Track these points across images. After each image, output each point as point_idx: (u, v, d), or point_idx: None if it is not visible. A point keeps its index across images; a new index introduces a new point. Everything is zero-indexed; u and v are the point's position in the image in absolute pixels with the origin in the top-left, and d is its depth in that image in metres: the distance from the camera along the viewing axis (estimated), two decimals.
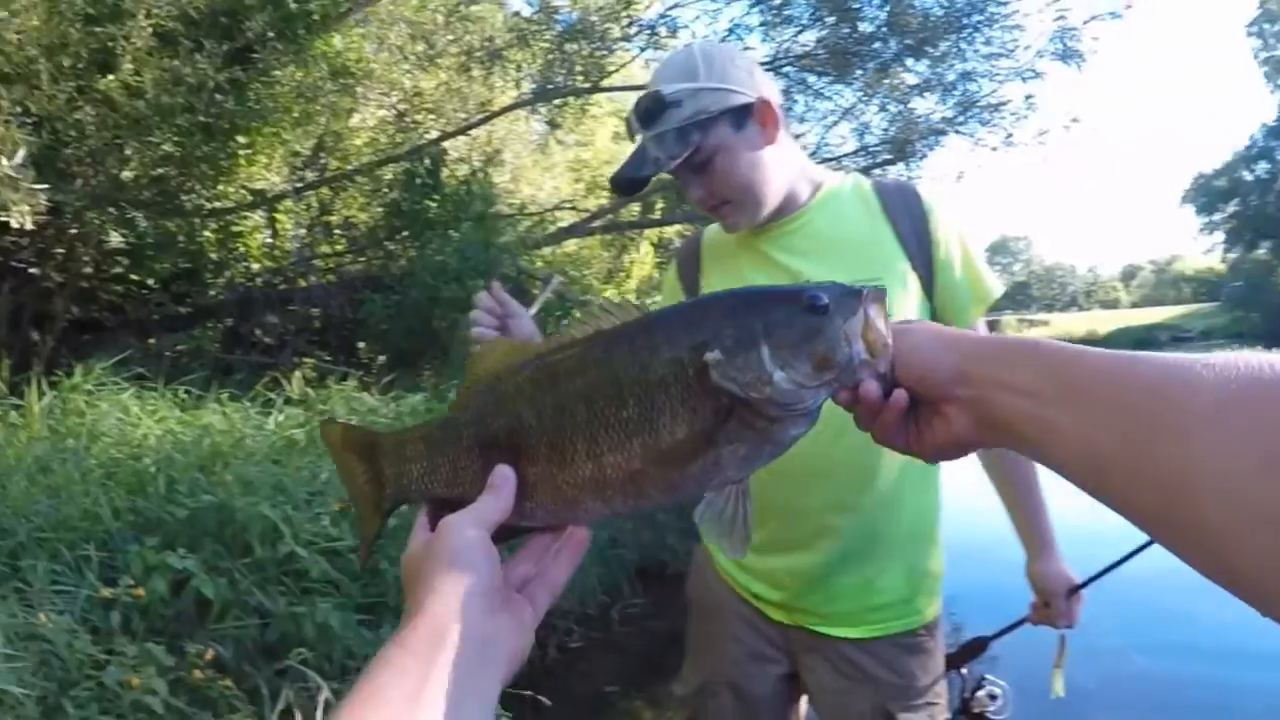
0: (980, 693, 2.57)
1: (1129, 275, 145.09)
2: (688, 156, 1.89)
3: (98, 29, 6.80)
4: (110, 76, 6.69)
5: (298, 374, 6.47)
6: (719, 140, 1.91)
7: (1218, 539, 0.59)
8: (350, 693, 0.69)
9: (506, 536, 0.95)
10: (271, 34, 7.62)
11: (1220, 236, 65.60)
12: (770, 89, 1.98)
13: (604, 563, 6.18)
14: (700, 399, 0.89)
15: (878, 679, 2.12)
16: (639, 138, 1.95)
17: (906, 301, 2.01)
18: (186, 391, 5.77)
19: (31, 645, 3.02)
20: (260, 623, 3.56)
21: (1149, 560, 2.23)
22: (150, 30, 6.94)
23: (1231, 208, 61.12)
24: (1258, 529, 0.56)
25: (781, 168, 2.02)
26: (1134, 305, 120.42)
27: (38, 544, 3.63)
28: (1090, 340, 65.41)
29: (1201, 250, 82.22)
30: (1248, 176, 59.34)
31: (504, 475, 0.93)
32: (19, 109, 6.07)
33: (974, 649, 2.63)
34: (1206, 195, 63.60)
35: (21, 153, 5.43)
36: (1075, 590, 2.26)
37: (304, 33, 8.12)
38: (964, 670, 2.52)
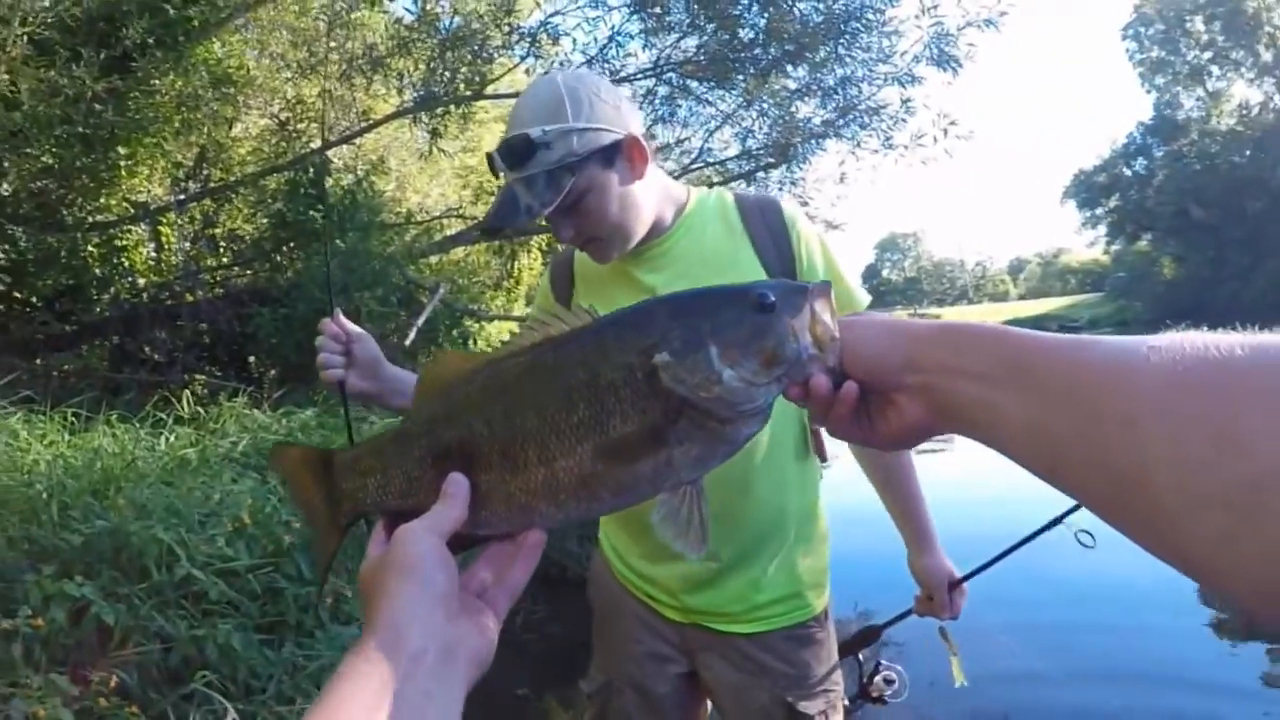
0: (877, 678, 2.68)
1: (1016, 269, 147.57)
2: (552, 196, 1.88)
3: None
4: None
5: (187, 392, 6.41)
6: (588, 181, 1.90)
7: (1170, 522, 0.59)
8: (313, 705, 0.69)
9: (463, 546, 0.96)
10: (150, 41, 7.45)
11: (1102, 230, 67.66)
12: (636, 122, 2.00)
13: (562, 534, 6.34)
14: (650, 401, 0.90)
15: (773, 671, 2.20)
16: (504, 177, 1.94)
17: None
18: (75, 414, 5.65)
19: None
20: (163, 647, 3.55)
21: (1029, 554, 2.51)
22: (25, 38, 6.77)
23: (1113, 202, 62.90)
24: (1209, 510, 0.56)
25: (648, 199, 2.04)
26: (1022, 297, 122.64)
27: None
28: None
29: (1085, 244, 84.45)
30: (1127, 172, 61.29)
31: (457, 483, 0.94)
32: None
33: (867, 637, 2.74)
34: (1088, 191, 65.40)
35: None
36: (957, 583, 2.36)
37: (184, 40, 7.96)
38: (861, 656, 2.62)
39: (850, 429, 0.93)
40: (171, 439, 5.43)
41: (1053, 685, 4.80)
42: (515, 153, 1.89)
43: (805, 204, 11.38)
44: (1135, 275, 57.52)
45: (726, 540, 2.13)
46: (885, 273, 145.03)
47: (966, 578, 2.40)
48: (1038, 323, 64.25)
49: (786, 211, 2.15)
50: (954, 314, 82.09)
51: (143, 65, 7.45)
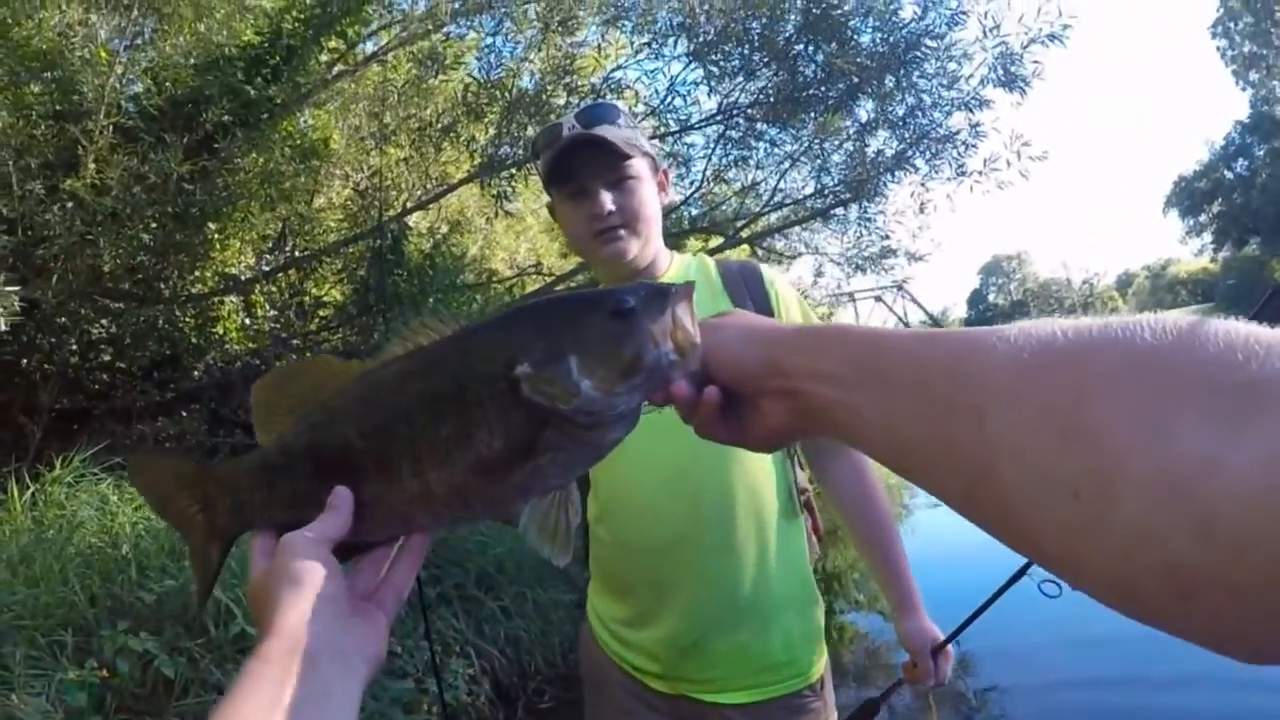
0: None
1: (1124, 283, 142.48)
2: (612, 167, 2.01)
3: (61, 127, 6.95)
4: (75, 176, 6.81)
5: None
6: (639, 170, 2.04)
7: (1021, 515, 0.58)
8: (215, 707, 0.70)
9: (348, 555, 0.97)
10: (232, 121, 7.70)
11: (1208, 238, 65.51)
12: None
13: (571, 623, 6.24)
14: (515, 412, 0.90)
15: None
16: (569, 131, 2.02)
17: None
18: None
19: None
20: (219, 698, 3.63)
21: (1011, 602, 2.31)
22: (111, 127, 7.09)
23: (1216, 207, 60.98)
24: (1059, 502, 0.54)
25: (658, 226, 2.14)
26: (1132, 313, 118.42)
27: (16, 630, 3.78)
28: None
29: (1192, 252, 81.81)
30: (1228, 175, 59.41)
31: (342, 495, 0.94)
32: None
33: (867, 712, 2.51)
34: (1190, 198, 63.52)
35: None
36: (940, 647, 2.23)
37: (266, 118, 8.20)
38: None
39: (718, 431, 0.92)
40: None
41: None
42: (593, 114, 2.04)
43: (886, 238, 11.30)
44: (1245, 281, 55.22)
45: (709, 602, 2.06)
46: (991, 297, 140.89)
47: (947, 640, 2.27)
48: None
49: (765, 274, 2.21)
50: None
51: (225, 146, 7.66)
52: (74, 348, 8.54)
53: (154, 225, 7.60)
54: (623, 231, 2.05)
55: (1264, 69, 52.87)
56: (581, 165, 2.03)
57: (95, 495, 5.44)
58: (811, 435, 0.89)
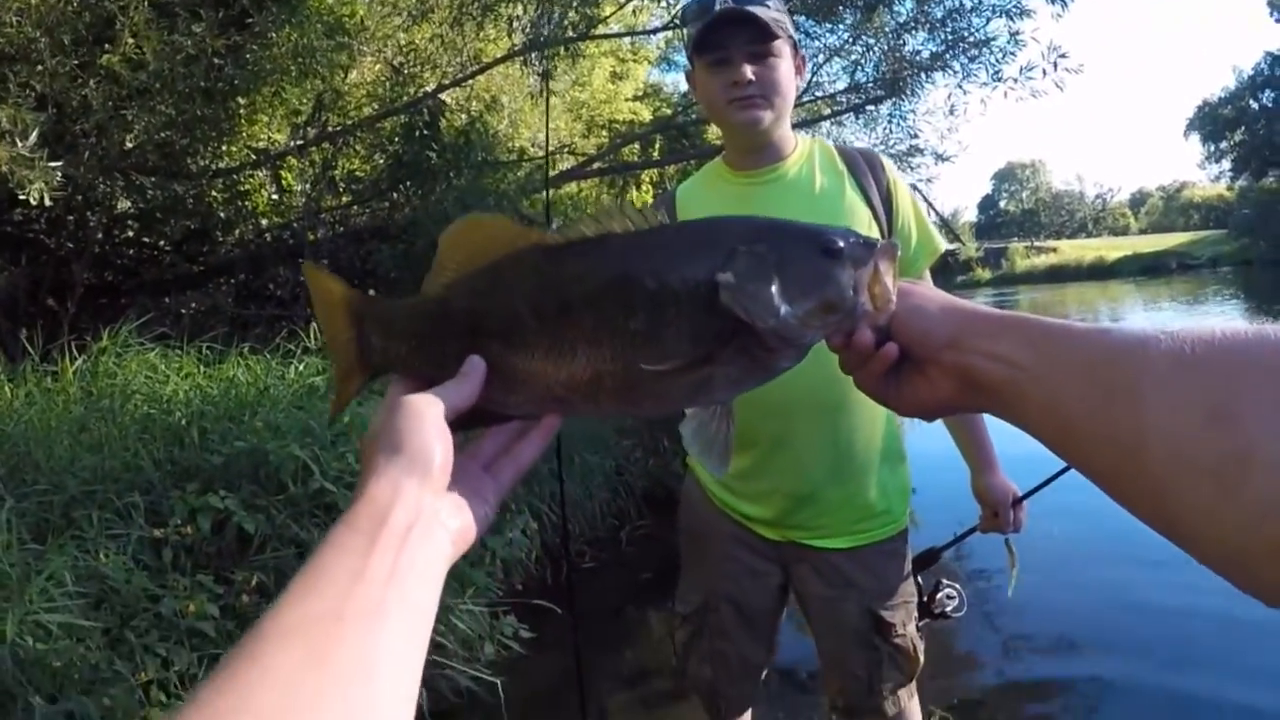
0: (939, 595, 2.78)
1: (1138, 202, 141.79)
2: (757, 41, 2.10)
3: (95, 3, 6.83)
4: (111, 51, 6.73)
5: (314, 324, 6.62)
6: (781, 50, 2.14)
7: (1162, 490, 0.63)
8: (299, 572, 0.69)
9: (485, 422, 0.97)
10: None
11: (1227, 165, 65.48)
12: None
13: (612, 490, 6.43)
14: (707, 318, 0.89)
15: (861, 585, 2.34)
16: (722, 4, 2.11)
17: None
18: (209, 348, 5.93)
19: (91, 585, 3.26)
20: (297, 552, 3.79)
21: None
22: (147, 3, 6.95)
23: (1238, 136, 60.66)
24: (1199, 480, 0.59)
25: (791, 107, 2.25)
26: (1142, 231, 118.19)
27: (87, 496, 3.85)
28: (1099, 266, 64.72)
29: (1209, 178, 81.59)
30: (1254, 105, 58.92)
31: (475, 366, 0.93)
32: (25, 89, 6.17)
33: (928, 558, 2.91)
34: (1213, 123, 63.33)
35: (34, 134, 5.54)
36: (1019, 500, 2.52)
37: None
38: (918, 578, 2.68)
39: (876, 387, 0.95)
40: (300, 368, 5.67)
41: (1109, 596, 4.76)
42: None
43: (915, 136, 11.23)
44: (1261, 213, 54.91)
45: (824, 456, 2.26)
46: (1003, 204, 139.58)
47: (1028, 495, 2.55)
48: (1157, 259, 63.32)
49: (888, 166, 2.34)
50: (1071, 247, 79.82)
51: (259, 20, 7.60)
52: (99, 224, 8.51)
53: (184, 101, 7.48)
54: (760, 101, 2.15)
55: None
56: (729, 38, 2.12)
57: (144, 365, 5.47)
58: (971, 409, 0.88)
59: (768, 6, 2.10)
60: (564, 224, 0.96)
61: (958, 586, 2.82)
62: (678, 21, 8.80)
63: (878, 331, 0.91)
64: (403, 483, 0.77)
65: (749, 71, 2.11)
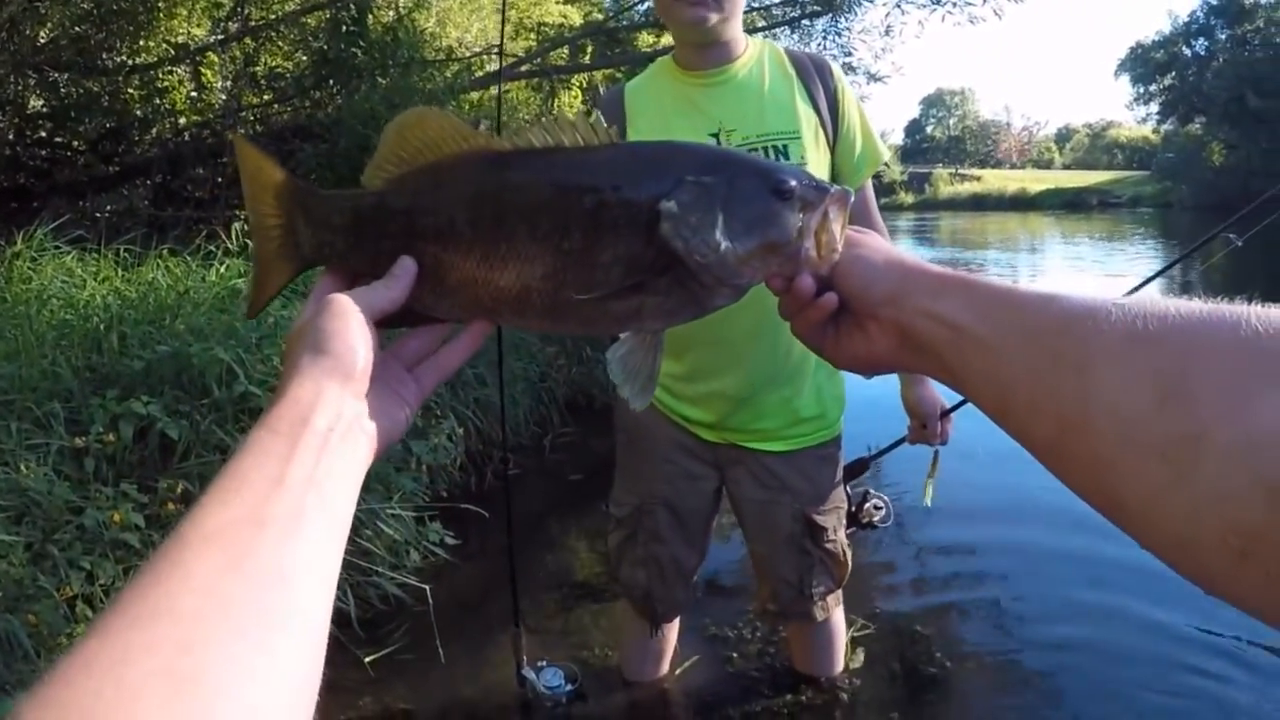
0: (867, 504, 2.91)
1: (1064, 137, 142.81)
2: None
3: None
4: None
5: (235, 226, 6.47)
6: None
7: (1108, 470, 0.61)
8: (219, 474, 0.68)
9: (412, 322, 0.95)
10: None
11: (1154, 108, 66.88)
12: None
13: (535, 396, 6.35)
14: (644, 246, 0.88)
15: (795, 488, 2.43)
16: None
17: (819, 157, 2.23)
18: (127, 251, 5.78)
19: (12, 498, 3.19)
20: (222, 459, 3.65)
21: None
22: None
23: (1168, 80, 61.63)
24: (1147, 462, 0.57)
25: (741, 7, 2.24)
26: (1066, 167, 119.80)
27: (5, 406, 3.77)
28: (1021, 197, 66.29)
29: (1136, 119, 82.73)
30: (1186, 51, 59.71)
31: (406, 268, 0.92)
32: None
33: (858, 468, 2.98)
34: (1143, 66, 64.43)
35: None
36: (947, 413, 2.59)
37: None
38: (847, 489, 2.74)
39: (813, 336, 0.95)
40: (222, 269, 5.53)
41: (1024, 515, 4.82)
42: None
43: (849, 55, 11.22)
44: (1184, 158, 56.35)
45: (763, 360, 2.31)
46: (929, 129, 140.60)
47: (955, 407, 2.61)
48: (1079, 195, 64.75)
49: (836, 71, 2.35)
50: (995, 177, 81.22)
51: None
52: (15, 122, 8.23)
53: None
54: (709, 0, 2.14)
55: None
56: None
57: (60, 269, 5.32)
58: (910, 369, 0.87)
59: None
60: (513, 129, 0.94)
61: (885, 497, 2.92)
62: None
63: (819, 280, 0.89)
64: (325, 385, 0.76)
65: None
